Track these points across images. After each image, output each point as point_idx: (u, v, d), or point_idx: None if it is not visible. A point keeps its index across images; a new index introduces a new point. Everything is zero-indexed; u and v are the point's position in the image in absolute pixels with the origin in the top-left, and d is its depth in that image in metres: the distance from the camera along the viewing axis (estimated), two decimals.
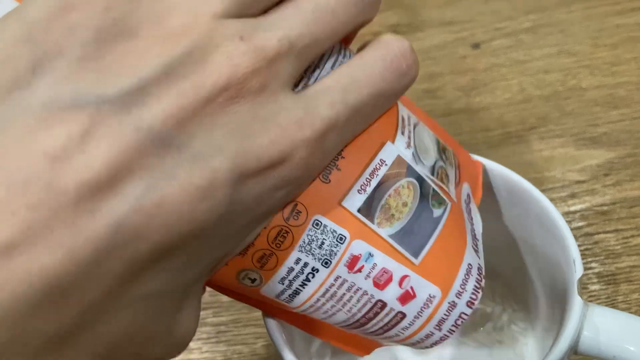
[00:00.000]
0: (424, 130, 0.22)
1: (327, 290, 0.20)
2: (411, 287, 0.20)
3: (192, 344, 0.34)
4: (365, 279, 0.20)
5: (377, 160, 0.20)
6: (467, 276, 0.21)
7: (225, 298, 0.36)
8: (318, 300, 0.20)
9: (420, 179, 0.21)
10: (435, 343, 0.21)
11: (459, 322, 0.21)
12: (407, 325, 0.21)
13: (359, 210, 0.20)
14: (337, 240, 0.20)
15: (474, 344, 0.28)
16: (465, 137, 0.41)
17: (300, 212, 0.19)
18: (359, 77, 0.18)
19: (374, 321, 0.21)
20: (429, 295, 0.20)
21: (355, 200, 0.20)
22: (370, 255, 0.20)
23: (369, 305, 0.20)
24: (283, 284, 0.20)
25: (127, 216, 0.15)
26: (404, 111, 0.21)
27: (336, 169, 0.19)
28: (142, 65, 0.16)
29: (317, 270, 0.20)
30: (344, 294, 0.20)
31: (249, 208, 0.17)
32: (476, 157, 0.27)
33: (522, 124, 0.41)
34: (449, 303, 0.20)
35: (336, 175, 0.19)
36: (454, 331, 0.21)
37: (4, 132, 0.15)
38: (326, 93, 0.18)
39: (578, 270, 0.23)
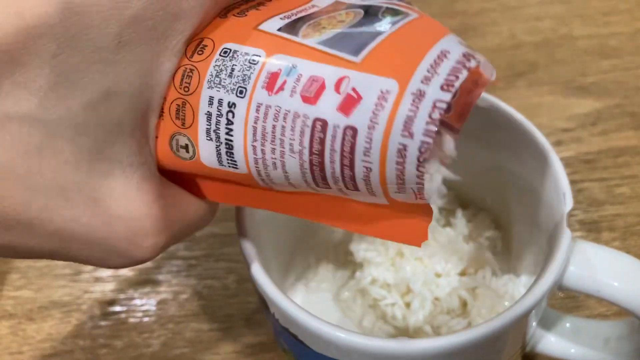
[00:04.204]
0: None
1: (255, 130, 0.17)
2: (353, 89, 0.16)
3: (161, 277, 0.32)
4: (291, 96, 0.16)
5: (308, 4, 0.18)
6: (439, 59, 0.16)
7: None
8: (255, 148, 0.17)
9: (367, 7, 0.18)
10: (422, 165, 0.15)
11: (434, 116, 0.15)
12: (367, 147, 0.16)
13: (279, 29, 0.17)
14: (249, 63, 0.17)
15: (455, 285, 0.28)
16: None
17: (206, 46, 0.17)
18: None
19: (327, 158, 0.16)
20: (381, 91, 0.15)
21: (275, 23, 0.17)
22: (293, 66, 0.16)
23: (308, 133, 0.16)
24: (211, 138, 0.18)
25: None
26: None
27: (255, 9, 0.17)
28: None
29: (235, 105, 0.17)
30: (274, 126, 0.17)
31: (116, 8, 0.15)
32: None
33: (510, 70, 0.40)
34: (412, 94, 0.15)
35: (255, 13, 0.18)
36: (432, 134, 0.15)
37: None
38: None
39: (568, 204, 0.22)
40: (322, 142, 0.16)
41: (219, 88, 0.17)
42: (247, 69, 0.17)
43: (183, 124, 0.18)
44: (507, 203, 0.28)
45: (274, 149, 0.17)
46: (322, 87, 0.16)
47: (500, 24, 0.42)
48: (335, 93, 0.16)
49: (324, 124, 0.16)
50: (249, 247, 0.22)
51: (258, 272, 0.22)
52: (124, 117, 0.17)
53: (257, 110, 0.17)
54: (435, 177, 0.17)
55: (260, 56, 0.17)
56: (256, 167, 0.18)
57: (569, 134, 0.36)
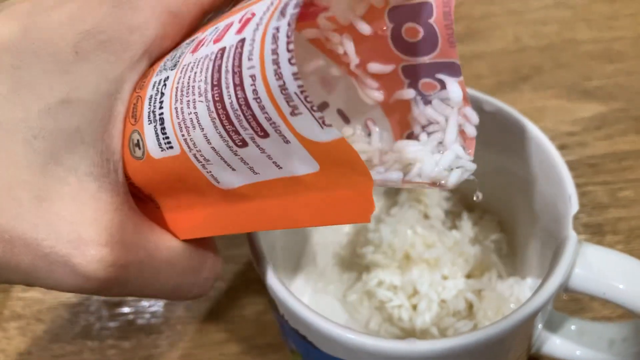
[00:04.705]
0: None
1: (176, 90, 0.17)
2: (251, 13, 0.16)
3: None
4: (207, 45, 0.17)
5: None
6: None
7: None
8: (177, 110, 0.17)
9: None
10: (291, 40, 0.14)
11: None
12: (250, 50, 0.15)
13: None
14: (187, 43, 0.18)
15: (461, 287, 0.28)
16: None
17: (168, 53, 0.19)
18: None
19: (223, 84, 0.16)
20: (271, 2, 0.16)
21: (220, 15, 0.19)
22: (216, 28, 0.17)
23: (210, 67, 0.16)
24: (151, 120, 0.18)
25: None
26: None
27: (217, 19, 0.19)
28: None
29: (168, 78, 0.18)
30: (189, 77, 0.17)
31: (72, 23, 0.17)
32: (484, 96, 0.26)
33: (515, 74, 0.40)
34: None
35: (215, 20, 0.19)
36: (300, 3, 0.15)
37: None
38: None
39: (574, 206, 0.23)
40: (219, 69, 0.16)
41: (162, 72, 0.18)
42: (185, 47, 0.18)
43: (135, 119, 0.18)
44: (513, 206, 0.28)
45: (188, 100, 0.17)
46: (230, 25, 0.17)
47: (504, 28, 0.43)
48: (238, 24, 0.17)
49: (223, 50, 0.16)
50: (258, 249, 0.23)
51: (268, 273, 0.22)
52: (84, 125, 0.18)
53: (181, 71, 0.18)
54: (450, 152, 0.18)
55: (198, 36, 0.18)
56: (182, 134, 0.17)
57: (574, 138, 0.37)
